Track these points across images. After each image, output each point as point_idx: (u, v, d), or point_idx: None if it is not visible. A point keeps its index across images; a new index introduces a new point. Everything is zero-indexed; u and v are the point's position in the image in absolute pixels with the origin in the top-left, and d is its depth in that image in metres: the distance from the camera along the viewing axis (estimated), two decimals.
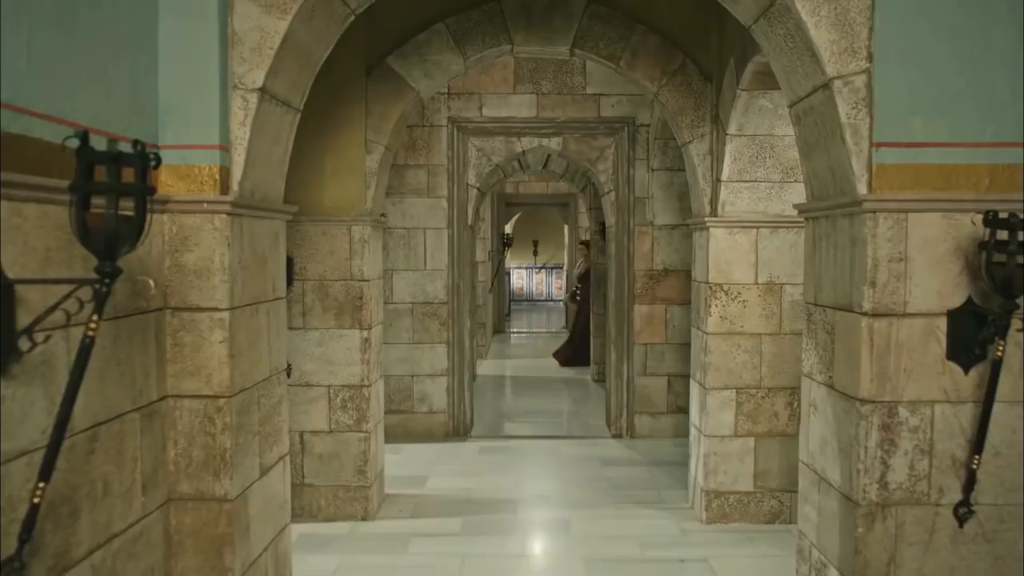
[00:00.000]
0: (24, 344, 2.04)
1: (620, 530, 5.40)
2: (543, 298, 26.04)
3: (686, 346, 7.33)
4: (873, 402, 2.83)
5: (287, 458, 3.58)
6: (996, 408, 2.77)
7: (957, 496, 2.84)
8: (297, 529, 5.11)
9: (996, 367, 2.73)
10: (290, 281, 4.77)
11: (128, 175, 2.15)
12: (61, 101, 2.28)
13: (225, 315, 2.91)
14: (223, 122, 2.92)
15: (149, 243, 2.70)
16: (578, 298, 13.09)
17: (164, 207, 2.84)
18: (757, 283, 5.24)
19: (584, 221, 15.28)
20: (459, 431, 7.98)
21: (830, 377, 3.10)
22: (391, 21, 5.38)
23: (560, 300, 22.22)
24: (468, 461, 7.18)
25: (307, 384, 5.38)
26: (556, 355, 13.13)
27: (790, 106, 3.29)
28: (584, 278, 12.68)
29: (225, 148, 2.94)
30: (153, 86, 2.82)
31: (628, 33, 5.43)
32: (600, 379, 10.82)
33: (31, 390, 2.12)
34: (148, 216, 2.19)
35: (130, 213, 2.15)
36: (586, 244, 13.03)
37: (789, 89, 3.24)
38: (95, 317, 2.12)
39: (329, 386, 5.40)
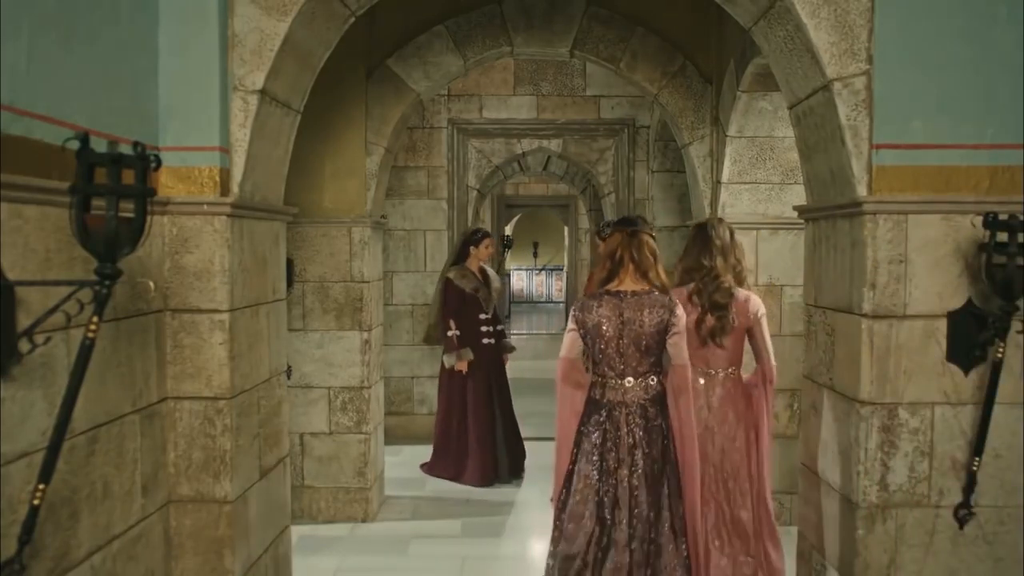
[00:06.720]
0: (24, 346, 2.04)
1: None
2: (543, 300, 26.05)
3: None
4: (873, 404, 2.83)
5: (287, 460, 3.58)
6: (996, 410, 2.76)
7: (957, 498, 2.84)
8: (297, 531, 5.09)
9: (996, 369, 2.73)
10: (290, 283, 4.76)
11: (128, 177, 2.15)
12: (61, 103, 2.28)
13: (225, 317, 2.91)
14: (223, 124, 2.92)
15: (149, 245, 2.70)
16: (488, 339, 6.53)
17: (164, 209, 2.84)
18: (757, 284, 5.22)
19: (584, 223, 15.28)
20: None
21: (830, 379, 3.10)
22: (391, 23, 5.37)
23: (560, 302, 21.97)
24: None
25: (307, 386, 5.37)
26: (431, 467, 6.63)
27: (790, 108, 3.30)
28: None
29: (225, 150, 2.94)
30: (153, 88, 2.82)
31: (628, 35, 5.43)
32: None
33: (31, 392, 2.12)
34: (148, 218, 2.19)
35: (130, 215, 2.15)
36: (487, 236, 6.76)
37: (789, 91, 3.24)
38: (95, 319, 2.12)
39: (329, 388, 5.38)
